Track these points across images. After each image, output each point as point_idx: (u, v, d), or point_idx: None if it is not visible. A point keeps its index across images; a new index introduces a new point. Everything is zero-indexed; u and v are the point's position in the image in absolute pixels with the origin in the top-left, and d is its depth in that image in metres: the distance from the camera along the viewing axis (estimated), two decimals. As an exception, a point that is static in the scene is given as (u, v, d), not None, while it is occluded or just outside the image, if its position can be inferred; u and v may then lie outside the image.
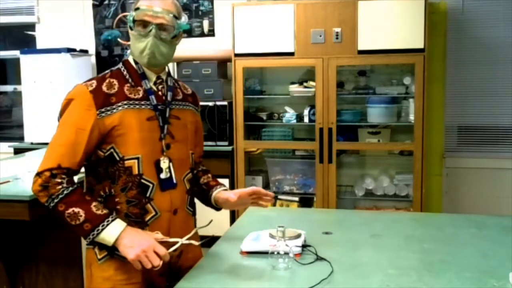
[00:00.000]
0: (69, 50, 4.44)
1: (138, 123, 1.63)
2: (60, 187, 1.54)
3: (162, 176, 1.66)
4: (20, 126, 4.72)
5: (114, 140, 1.61)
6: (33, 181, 1.57)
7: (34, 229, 2.68)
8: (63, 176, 1.56)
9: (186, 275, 1.62)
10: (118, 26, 4.79)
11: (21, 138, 4.73)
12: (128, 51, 4.75)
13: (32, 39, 5.05)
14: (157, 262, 1.50)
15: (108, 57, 4.82)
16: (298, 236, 1.80)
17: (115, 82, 1.66)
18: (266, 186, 4.31)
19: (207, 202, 1.89)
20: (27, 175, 2.68)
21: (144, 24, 1.64)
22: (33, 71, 4.45)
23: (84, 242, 1.66)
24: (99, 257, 1.66)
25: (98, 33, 4.84)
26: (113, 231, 1.54)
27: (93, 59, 4.82)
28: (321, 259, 1.69)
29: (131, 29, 1.66)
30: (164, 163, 1.67)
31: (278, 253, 1.64)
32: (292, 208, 3.96)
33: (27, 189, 2.38)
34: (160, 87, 1.72)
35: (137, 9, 1.64)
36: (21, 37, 5.20)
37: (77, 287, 2.75)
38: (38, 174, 1.57)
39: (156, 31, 1.63)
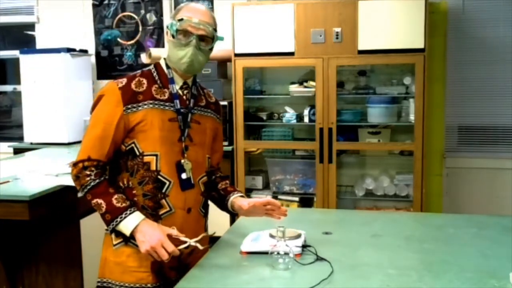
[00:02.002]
0: (69, 50, 4.44)
1: (160, 122, 1.75)
2: (88, 178, 1.70)
3: (184, 176, 1.77)
4: (20, 126, 4.72)
5: (136, 136, 1.74)
6: (71, 170, 1.75)
7: (34, 229, 2.68)
8: (93, 168, 1.71)
9: (186, 275, 1.62)
10: (118, 26, 4.78)
11: (20, 138, 4.73)
12: (129, 52, 4.77)
13: (32, 39, 5.04)
14: (166, 257, 1.62)
15: (108, 57, 4.81)
16: (298, 236, 1.81)
17: (145, 81, 1.78)
18: (266, 186, 4.31)
19: (224, 207, 1.95)
20: (27, 175, 2.68)
21: (186, 34, 1.76)
22: (32, 71, 4.44)
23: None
24: (114, 242, 1.78)
25: (98, 33, 4.84)
26: (130, 224, 1.67)
27: (93, 59, 4.81)
28: (321, 259, 1.69)
29: (173, 37, 1.76)
30: (187, 164, 1.78)
31: (278, 253, 1.64)
32: (292, 208, 3.95)
33: (27, 189, 2.39)
34: (185, 92, 1.83)
35: (181, 19, 1.75)
36: (21, 37, 5.19)
37: (77, 287, 2.75)
38: (74, 165, 1.74)
39: (196, 42, 1.75)
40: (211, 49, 1.83)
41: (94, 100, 1.79)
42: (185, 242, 1.66)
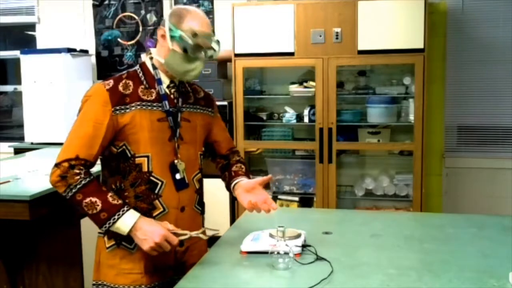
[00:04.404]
0: (69, 50, 4.44)
1: (149, 123, 1.72)
2: (78, 177, 1.63)
3: (178, 176, 1.76)
4: (20, 126, 4.72)
5: (126, 138, 1.71)
6: (52, 172, 1.65)
7: (35, 229, 2.68)
8: (81, 167, 1.65)
9: (186, 275, 1.62)
10: (118, 26, 4.79)
11: (21, 138, 4.73)
12: (129, 53, 4.77)
13: (32, 39, 5.05)
14: (169, 248, 1.64)
15: (108, 57, 4.81)
16: (298, 236, 1.81)
17: (131, 83, 1.75)
18: (266, 186, 4.28)
19: (230, 180, 1.93)
20: (27, 175, 2.68)
21: (197, 47, 1.72)
22: (33, 71, 4.44)
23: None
24: (107, 245, 1.77)
25: (98, 33, 4.84)
26: (127, 221, 1.63)
27: (93, 59, 4.81)
28: (321, 259, 1.70)
29: (184, 51, 1.71)
30: (181, 165, 1.77)
31: (278, 253, 1.64)
32: (292, 208, 3.96)
33: (27, 189, 2.40)
34: (172, 90, 1.81)
35: (195, 35, 1.71)
36: (21, 37, 5.19)
37: (77, 287, 2.75)
38: (57, 165, 1.65)
39: (205, 55, 1.75)
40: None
41: (81, 103, 1.74)
42: (183, 235, 1.68)
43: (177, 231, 1.67)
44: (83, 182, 1.63)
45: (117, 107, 1.68)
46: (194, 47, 1.71)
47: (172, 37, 1.73)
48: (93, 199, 1.63)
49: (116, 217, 1.63)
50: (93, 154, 1.68)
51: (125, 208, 1.64)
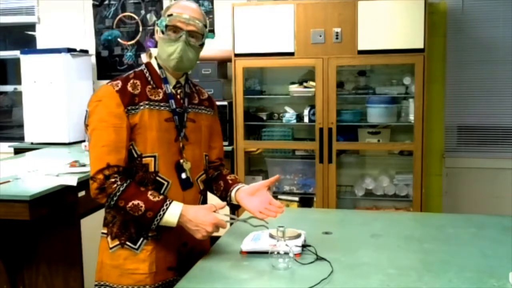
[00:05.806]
0: (69, 50, 4.44)
1: (157, 123, 1.74)
2: (115, 185, 1.64)
3: (183, 176, 1.77)
4: (20, 126, 4.72)
5: (134, 138, 1.71)
6: (90, 186, 1.67)
7: (35, 229, 2.68)
8: (115, 175, 1.65)
9: (186, 275, 1.62)
10: (118, 26, 4.79)
11: (21, 138, 4.73)
12: (129, 53, 4.77)
13: (32, 39, 5.05)
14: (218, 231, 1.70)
15: (108, 57, 4.81)
16: (298, 236, 1.81)
17: (138, 83, 1.76)
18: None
19: (226, 192, 1.91)
20: (27, 175, 2.68)
21: (175, 30, 1.74)
22: (33, 71, 4.44)
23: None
24: (110, 246, 1.77)
25: (98, 33, 4.84)
26: (174, 212, 1.65)
27: (93, 59, 4.81)
28: (321, 259, 1.70)
29: (163, 33, 1.75)
30: (186, 164, 1.78)
31: (278, 253, 1.64)
32: (292, 208, 3.96)
33: (27, 189, 2.40)
34: (178, 91, 1.82)
35: (170, 15, 1.73)
36: (21, 37, 5.19)
37: (77, 287, 2.75)
38: (92, 178, 1.66)
39: (186, 37, 1.73)
40: (201, 46, 1.80)
41: (91, 107, 1.72)
42: (232, 218, 1.74)
43: (224, 218, 1.69)
44: (121, 189, 1.64)
45: (129, 108, 1.69)
46: (171, 28, 1.73)
47: (157, 26, 1.77)
48: (135, 202, 1.64)
49: (161, 212, 1.64)
50: (122, 158, 1.68)
51: (168, 202, 1.66)
